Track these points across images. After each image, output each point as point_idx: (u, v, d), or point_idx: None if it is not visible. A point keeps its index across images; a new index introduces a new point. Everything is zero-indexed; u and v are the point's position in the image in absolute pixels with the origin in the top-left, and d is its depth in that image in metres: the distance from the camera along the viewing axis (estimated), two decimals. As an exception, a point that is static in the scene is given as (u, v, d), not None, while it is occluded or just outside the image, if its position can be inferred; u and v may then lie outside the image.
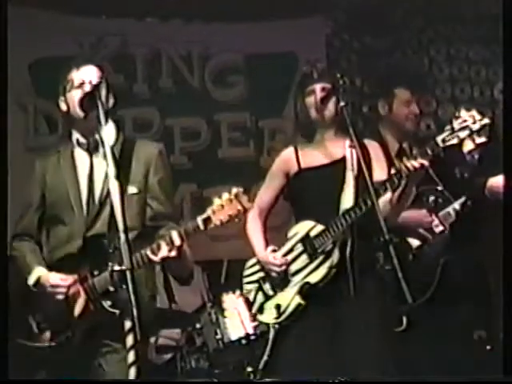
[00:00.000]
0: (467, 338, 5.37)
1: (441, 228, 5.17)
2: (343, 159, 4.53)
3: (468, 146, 4.21)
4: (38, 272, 4.19)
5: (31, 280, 4.16)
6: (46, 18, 6.72)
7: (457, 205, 5.17)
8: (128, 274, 3.52)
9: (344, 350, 4.35)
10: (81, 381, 3.87)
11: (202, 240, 6.50)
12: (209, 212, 3.88)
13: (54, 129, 7.00)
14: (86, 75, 4.11)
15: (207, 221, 3.91)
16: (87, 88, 4.01)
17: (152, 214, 4.25)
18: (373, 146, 4.64)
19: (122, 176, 3.75)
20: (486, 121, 4.17)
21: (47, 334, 4.14)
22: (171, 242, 3.97)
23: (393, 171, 4.31)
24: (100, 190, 4.17)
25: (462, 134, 4.16)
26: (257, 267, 4.63)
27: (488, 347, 5.34)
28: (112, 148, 3.70)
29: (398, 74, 7.11)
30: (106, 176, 3.84)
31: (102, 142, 3.78)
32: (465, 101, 6.69)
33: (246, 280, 4.67)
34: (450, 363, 5.11)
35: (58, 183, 4.25)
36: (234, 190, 3.91)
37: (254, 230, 4.70)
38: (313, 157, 4.61)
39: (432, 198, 5.27)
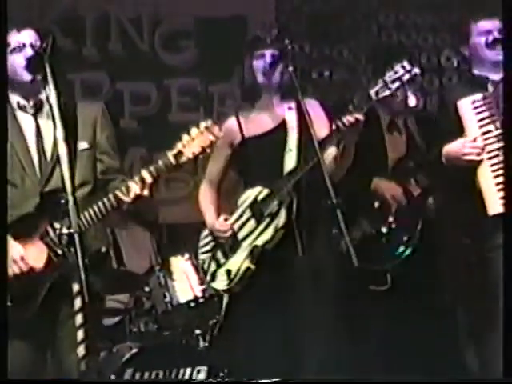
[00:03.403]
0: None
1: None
2: (284, 122, 4.53)
3: (412, 101, 4.26)
4: None
5: None
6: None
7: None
8: (76, 236, 3.53)
9: (294, 310, 4.38)
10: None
11: (150, 204, 6.55)
12: (179, 146, 3.84)
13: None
14: (27, 38, 4.07)
15: (178, 155, 3.86)
16: (30, 51, 3.97)
17: (103, 167, 4.23)
18: (312, 105, 4.60)
19: (70, 135, 3.72)
20: (416, 70, 4.23)
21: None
22: (142, 181, 3.92)
23: (334, 127, 4.32)
24: (51, 150, 4.12)
25: (394, 86, 4.21)
26: (210, 237, 4.65)
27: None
28: (59, 109, 3.67)
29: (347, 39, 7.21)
30: (54, 135, 3.78)
31: (50, 104, 3.75)
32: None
33: (200, 250, 4.69)
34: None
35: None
36: (204, 124, 3.86)
37: (206, 201, 4.73)
38: (256, 124, 4.63)
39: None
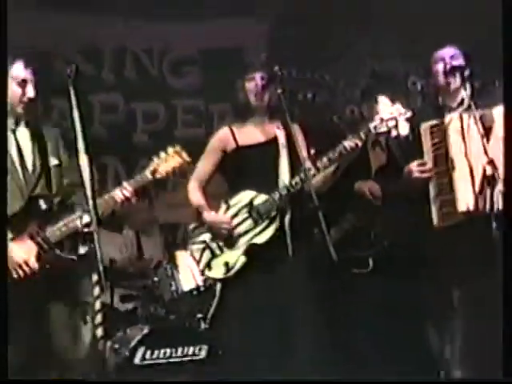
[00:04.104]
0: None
1: None
2: (275, 138, 4.54)
3: (404, 130, 4.31)
4: None
5: None
6: (23, 16, 6.63)
7: None
8: (95, 234, 3.57)
9: (283, 301, 4.39)
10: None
11: (160, 206, 6.60)
12: (155, 165, 4.04)
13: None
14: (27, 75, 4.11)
15: (154, 172, 4.05)
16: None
17: (69, 182, 4.23)
18: (295, 128, 4.53)
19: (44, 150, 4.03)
20: (410, 114, 4.29)
21: None
22: (123, 191, 4.07)
23: (335, 155, 4.35)
24: (31, 163, 4.14)
25: (390, 124, 4.27)
26: (200, 230, 4.60)
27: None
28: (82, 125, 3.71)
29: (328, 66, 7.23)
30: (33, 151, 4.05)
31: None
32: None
33: (191, 241, 4.64)
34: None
35: None
36: (173, 149, 4.11)
37: (197, 198, 4.65)
38: (249, 136, 4.61)
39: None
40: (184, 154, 4.16)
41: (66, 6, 6.64)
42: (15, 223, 4.02)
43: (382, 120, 4.28)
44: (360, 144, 4.31)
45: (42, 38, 6.74)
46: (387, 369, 4.99)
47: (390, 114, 4.29)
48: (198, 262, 4.59)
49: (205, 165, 4.69)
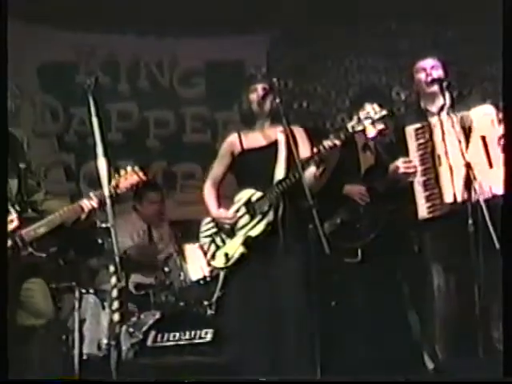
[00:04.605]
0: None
1: None
2: (276, 142, 4.55)
3: (371, 132, 4.29)
4: None
5: None
6: (51, 33, 6.68)
7: None
8: (112, 229, 3.61)
9: (277, 287, 4.37)
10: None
11: (169, 204, 6.62)
12: (116, 181, 4.12)
13: (56, 118, 6.96)
14: None
15: (115, 187, 4.13)
16: None
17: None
18: (299, 131, 4.62)
19: None
20: (384, 112, 4.26)
21: None
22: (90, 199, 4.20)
23: (315, 150, 4.33)
24: None
25: (366, 122, 4.25)
26: (210, 225, 4.61)
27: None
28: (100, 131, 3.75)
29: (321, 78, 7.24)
30: None
31: None
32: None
33: (202, 235, 4.64)
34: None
35: None
36: (131, 167, 4.24)
37: (209, 196, 4.66)
38: (253, 140, 4.61)
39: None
40: (141, 173, 4.29)
41: (87, 25, 6.66)
42: None
43: (358, 119, 4.25)
44: (338, 143, 4.25)
45: (66, 53, 6.78)
46: (374, 346, 5.04)
47: (367, 114, 4.26)
48: (206, 254, 4.60)
49: (217, 167, 4.71)
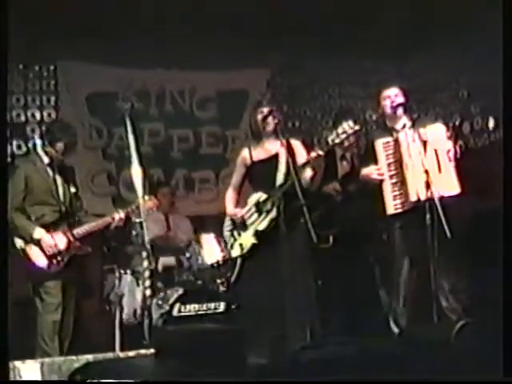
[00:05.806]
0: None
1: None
2: (277, 154, 4.57)
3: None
4: (40, 232, 4.24)
5: (37, 235, 4.25)
6: (97, 68, 6.68)
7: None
8: (144, 224, 3.62)
9: (283, 271, 4.33)
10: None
11: (189, 203, 6.63)
12: (138, 204, 4.12)
13: (100, 135, 6.96)
14: None
15: (138, 208, 4.21)
16: None
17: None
18: (296, 143, 4.63)
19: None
20: (357, 127, 4.27)
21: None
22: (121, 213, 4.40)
23: (305, 159, 4.37)
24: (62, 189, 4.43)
25: (342, 136, 4.25)
26: (228, 222, 4.65)
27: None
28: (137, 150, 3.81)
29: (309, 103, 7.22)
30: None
31: None
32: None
33: (225, 230, 4.68)
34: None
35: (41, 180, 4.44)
36: (148, 197, 4.44)
37: (229, 199, 4.72)
38: (260, 153, 4.65)
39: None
40: (155, 200, 4.57)
41: (125, 62, 6.66)
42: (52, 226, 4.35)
43: (337, 134, 4.26)
44: (321, 153, 4.29)
45: (107, 84, 6.77)
46: (352, 316, 5.00)
47: (343, 129, 4.26)
48: (225, 244, 4.65)
49: (235, 176, 4.77)
